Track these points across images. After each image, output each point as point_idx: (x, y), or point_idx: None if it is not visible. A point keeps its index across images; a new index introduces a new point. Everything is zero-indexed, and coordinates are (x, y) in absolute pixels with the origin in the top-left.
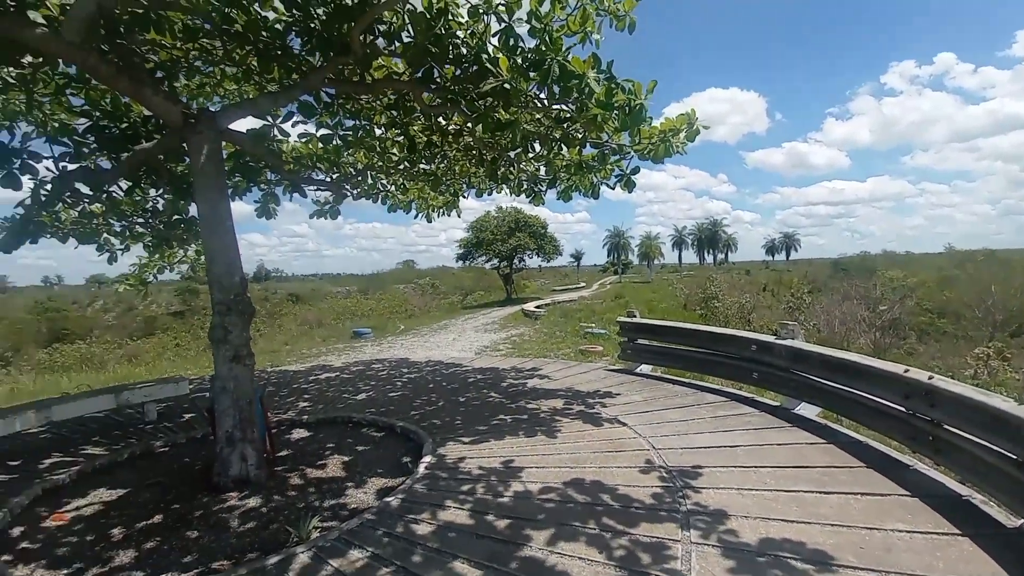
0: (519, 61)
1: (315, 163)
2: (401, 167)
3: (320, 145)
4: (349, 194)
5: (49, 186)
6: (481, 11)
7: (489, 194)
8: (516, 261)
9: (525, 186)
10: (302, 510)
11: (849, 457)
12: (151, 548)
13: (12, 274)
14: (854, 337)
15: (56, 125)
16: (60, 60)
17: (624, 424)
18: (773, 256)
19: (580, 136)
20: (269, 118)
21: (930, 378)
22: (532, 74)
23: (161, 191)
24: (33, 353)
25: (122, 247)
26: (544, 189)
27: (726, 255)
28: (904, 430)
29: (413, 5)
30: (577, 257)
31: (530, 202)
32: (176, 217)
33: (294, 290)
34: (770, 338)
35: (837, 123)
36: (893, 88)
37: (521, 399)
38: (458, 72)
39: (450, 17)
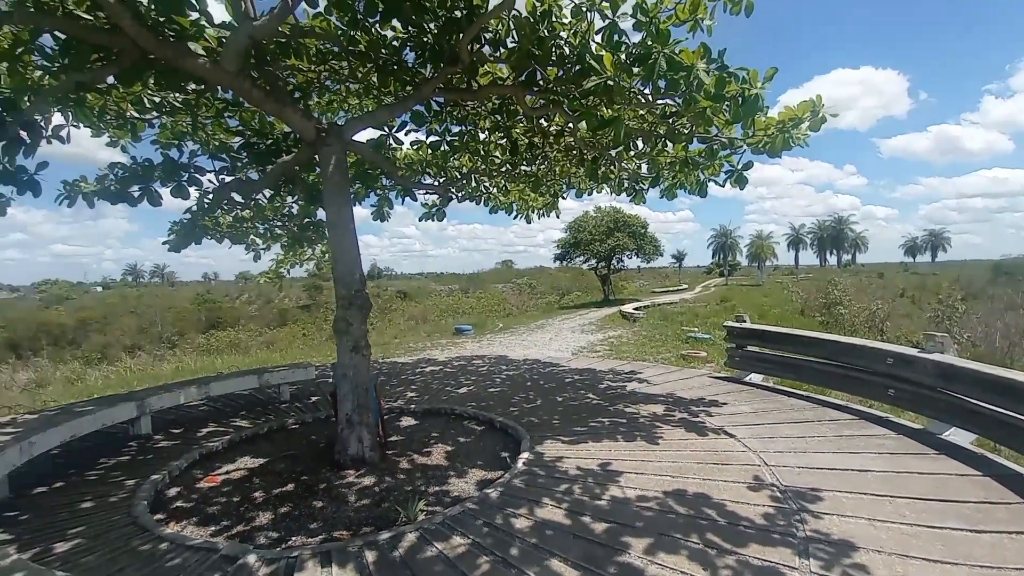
0: (622, 57)
1: (424, 168)
2: (503, 169)
3: (429, 151)
4: (454, 197)
5: (210, 196)
6: (585, 9)
7: (589, 194)
8: (614, 262)
9: (626, 185)
10: (410, 493)
11: (1008, 492)
12: (284, 512)
13: (179, 270)
14: (1020, 354)
15: (216, 143)
16: (219, 87)
17: (731, 436)
18: (914, 257)
19: (687, 131)
20: (385, 128)
21: None
22: (636, 69)
23: (296, 198)
24: (194, 338)
25: (264, 246)
26: (646, 188)
27: (853, 256)
28: None
29: (518, 11)
30: (679, 258)
31: (631, 201)
32: (307, 220)
33: (402, 287)
34: (912, 351)
35: (996, 101)
36: None
37: (619, 402)
38: (561, 73)
39: (553, 19)
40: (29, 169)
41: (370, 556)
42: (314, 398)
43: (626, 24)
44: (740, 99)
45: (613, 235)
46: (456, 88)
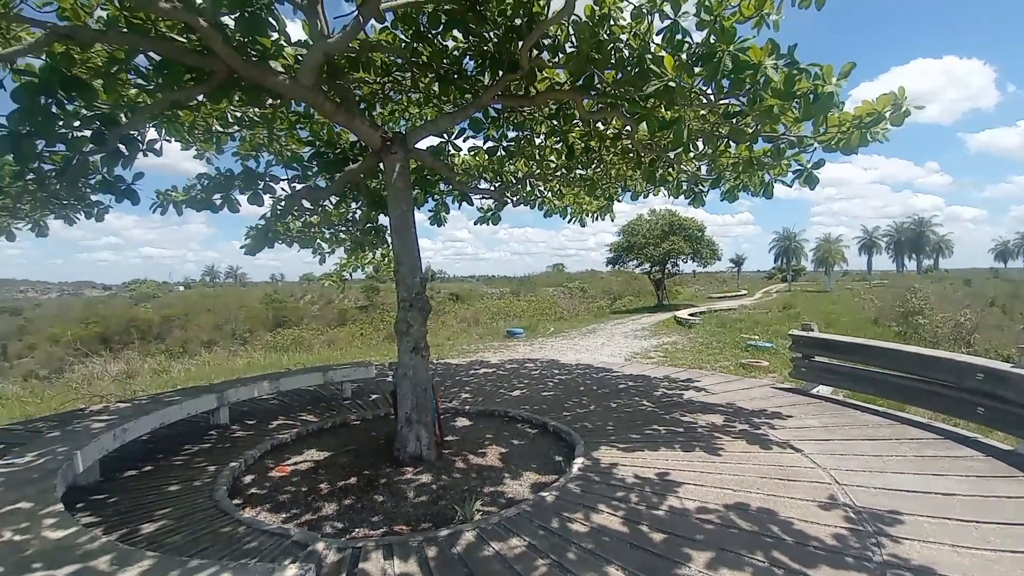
0: (684, 57)
1: (481, 173)
2: (558, 173)
3: (486, 156)
4: (509, 201)
5: (283, 203)
6: (645, 11)
7: (645, 197)
8: (669, 266)
9: (685, 187)
10: (466, 492)
11: None
12: (348, 504)
13: (250, 272)
14: None
15: (288, 154)
16: (293, 100)
17: (798, 450)
18: (1006, 263)
19: (751, 130)
20: (445, 135)
21: None
22: (698, 69)
23: (359, 203)
24: (263, 335)
25: (329, 250)
26: (706, 190)
27: (936, 261)
28: None
29: (577, 15)
30: (737, 262)
31: (689, 204)
32: (368, 225)
33: (454, 290)
34: (1005, 366)
35: None
36: None
37: (675, 411)
38: (619, 75)
39: (612, 22)
40: (127, 179)
41: (430, 552)
42: (373, 396)
43: (688, 23)
44: (812, 96)
45: (668, 238)
46: (514, 95)
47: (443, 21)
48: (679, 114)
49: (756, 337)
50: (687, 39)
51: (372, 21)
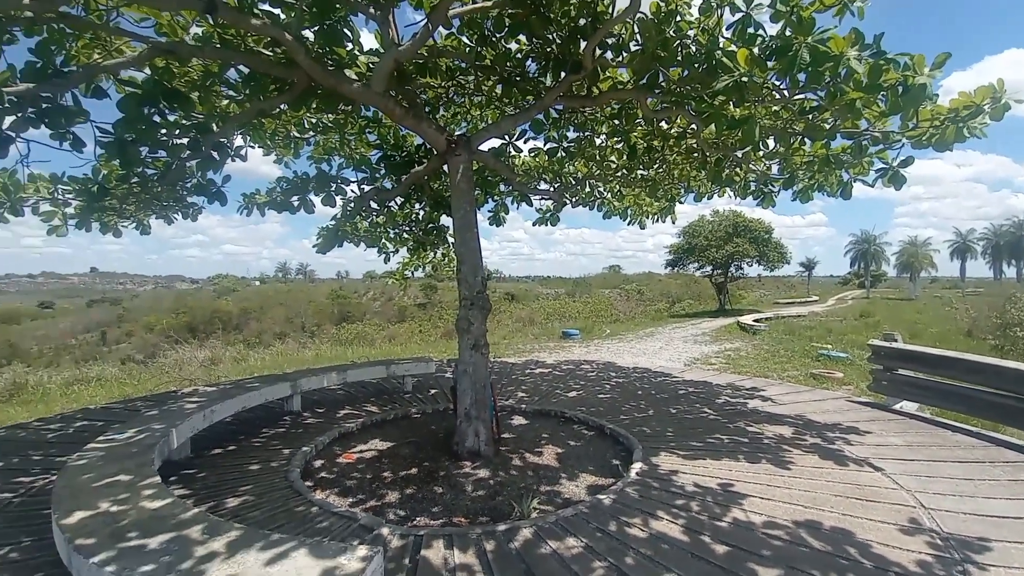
0: (755, 51)
1: (541, 174)
2: (619, 174)
3: (546, 157)
4: (568, 202)
5: (352, 204)
6: (714, 5)
7: (709, 198)
8: (732, 269)
9: (753, 187)
10: (522, 489)
11: None
12: (410, 494)
13: (318, 269)
14: None
15: (357, 157)
16: (363, 106)
17: (879, 469)
18: None
19: (829, 127)
20: (506, 137)
21: None
22: (771, 63)
23: (422, 204)
24: (329, 329)
25: (393, 249)
26: (777, 190)
27: None
28: None
29: (643, 13)
30: (808, 266)
31: (758, 205)
32: (431, 225)
33: (509, 290)
34: None
35: None
36: None
37: (739, 420)
38: (685, 73)
39: (679, 18)
40: (217, 183)
41: (488, 545)
42: (433, 391)
43: (760, 16)
44: (901, 88)
45: (732, 240)
46: (576, 95)
47: (507, 25)
48: (750, 111)
49: (829, 346)
50: (760, 32)
51: (439, 28)
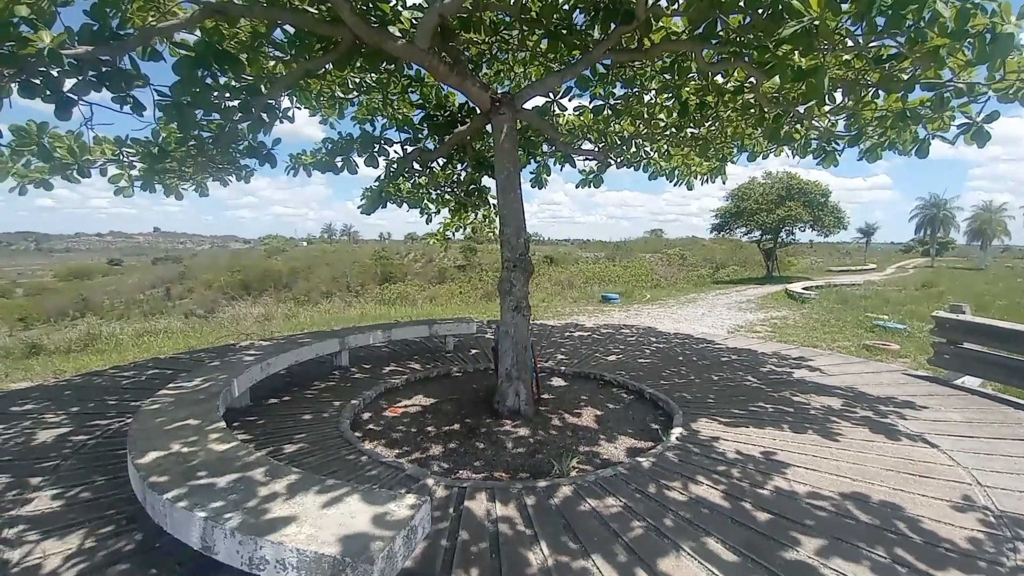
0: None
1: (586, 134)
2: (668, 133)
3: (591, 116)
4: (613, 163)
5: (395, 165)
6: None
7: (764, 157)
8: (783, 234)
9: (814, 145)
10: (562, 449)
11: None
12: (452, 448)
13: (361, 230)
14: None
15: (400, 117)
16: (405, 65)
17: (934, 446)
18: None
19: (907, 77)
20: (550, 95)
21: None
22: (846, 6)
23: (464, 165)
24: (372, 288)
25: (436, 210)
26: (841, 148)
27: None
28: None
29: None
30: (867, 232)
31: (819, 164)
32: (472, 186)
33: (548, 253)
34: None
35: None
36: None
37: (784, 389)
38: (747, 20)
39: None
40: (267, 145)
41: (529, 500)
42: (473, 351)
43: None
44: (989, 35)
45: (784, 204)
46: (626, 48)
47: None
48: (819, 61)
49: (885, 317)
50: None
51: None
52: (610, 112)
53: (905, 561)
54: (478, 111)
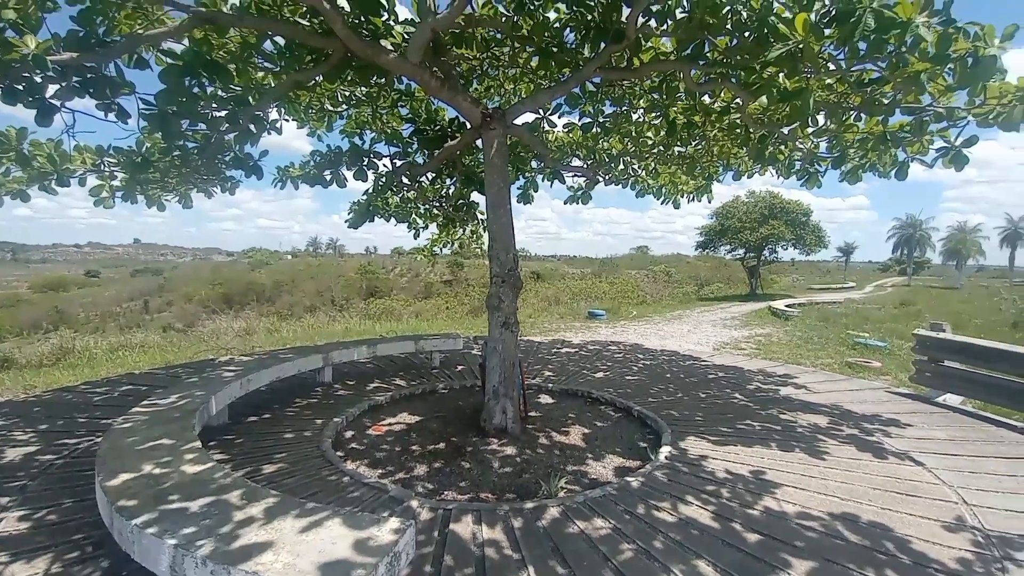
0: (812, 18)
1: (574, 150)
2: (655, 151)
3: (580, 133)
4: (601, 179)
5: (383, 179)
6: None
7: (749, 176)
8: (766, 252)
9: (797, 166)
10: (549, 468)
11: None
12: (437, 468)
13: (347, 244)
14: None
15: (389, 131)
16: (395, 79)
17: (919, 463)
18: None
19: (888, 101)
20: (540, 111)
21: None
22: (828, 31)
23: (453, 180)
24: (358, 303)
25: (423, 225)
26: (823, 169)
27: None
28: None
29: None
30: (846, 251)
31: (802, 185)
32: (460, 201)
33: (535, 269)
34: None
35: None
36: None
37: (771, 407)
38: (734, 42)
39: None
40: (254, 156)
41: (516, 522)
42: (460, 367)
43: None
44: (970, 60)
45: (768, 223)
46: (616, 67)
47: None
48: (804, 83)
49: (866, 334)
50: None
51: None
52: (599, 130)
53: None
54: (468, 126)
